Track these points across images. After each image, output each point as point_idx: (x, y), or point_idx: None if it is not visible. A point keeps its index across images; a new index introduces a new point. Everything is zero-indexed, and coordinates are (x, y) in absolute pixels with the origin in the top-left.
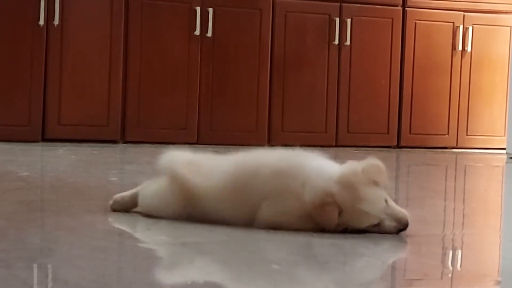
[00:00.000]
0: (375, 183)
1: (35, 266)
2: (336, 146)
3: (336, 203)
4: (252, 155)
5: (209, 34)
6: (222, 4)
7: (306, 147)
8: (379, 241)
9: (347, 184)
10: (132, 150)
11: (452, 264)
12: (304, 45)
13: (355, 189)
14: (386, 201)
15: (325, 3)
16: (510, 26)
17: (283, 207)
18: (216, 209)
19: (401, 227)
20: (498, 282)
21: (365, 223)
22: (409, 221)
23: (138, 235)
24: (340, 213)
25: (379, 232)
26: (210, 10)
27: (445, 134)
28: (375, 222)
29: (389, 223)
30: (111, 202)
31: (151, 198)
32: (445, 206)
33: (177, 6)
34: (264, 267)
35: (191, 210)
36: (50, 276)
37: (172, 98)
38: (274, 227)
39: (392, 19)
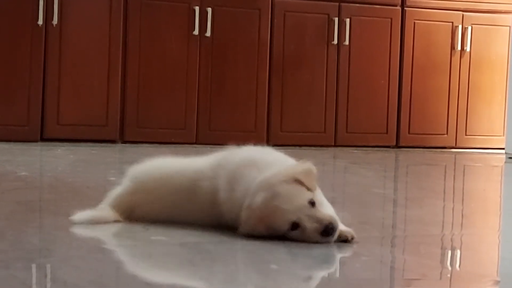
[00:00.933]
0: (301, 184)
1: (33, 266)
2: (335, 146)
3: (253, 208)
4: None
5: (208, 34)
6: (221, 4)
7: (305, 147)
8: (377, 241)
9: (264, 185)
10: (131, 150)
11: (451, 265)
12: (303, 45)
13: (272, 187)
14: (312, 203)
15: (324, 3)
16: (509, 26)
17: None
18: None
19: (322, 228)
20: (497, 282)
21: (281, 220)
22: (336, 226)
23: (136, 235)
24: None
25: (303, 240)
26: (209, 9)
27: (444, 134)
28: (293, 218)
29: (309, 225)
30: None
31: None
32: (444, 206)
33: (176, 5)
34: (263, 267)
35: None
36: (48, 277)
37: (171, 98)
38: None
39: (391, 19)
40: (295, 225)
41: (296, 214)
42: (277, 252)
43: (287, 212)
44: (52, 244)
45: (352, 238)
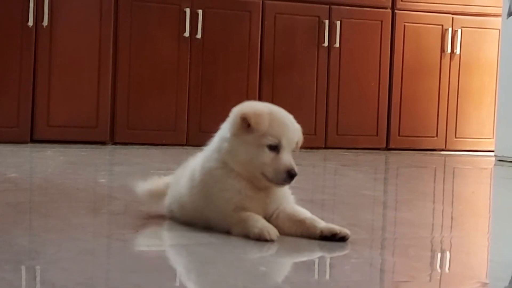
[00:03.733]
0: None
1: (22, 268)
2: (325, 148)
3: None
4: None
5: (199, 35)
6: (212, 6)
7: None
8: (367, 243)
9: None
10: (121, 152)
11: (440, 267)
12: (294, 47)
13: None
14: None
15: (315, 5)
16: (499, 29)
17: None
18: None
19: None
20: (486, 285)
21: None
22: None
23: (126, 237)
24: None
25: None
26: (200, 11)
27: (434, 136)
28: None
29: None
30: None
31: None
32: (433, 209)
33: (167, 7)
34: (252, 269)
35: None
36: (37, 279)
37: (161, 100)
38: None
39: (382, 21)
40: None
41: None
42: (267, 254)
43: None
44: (41, 246)
45: (345, 237)
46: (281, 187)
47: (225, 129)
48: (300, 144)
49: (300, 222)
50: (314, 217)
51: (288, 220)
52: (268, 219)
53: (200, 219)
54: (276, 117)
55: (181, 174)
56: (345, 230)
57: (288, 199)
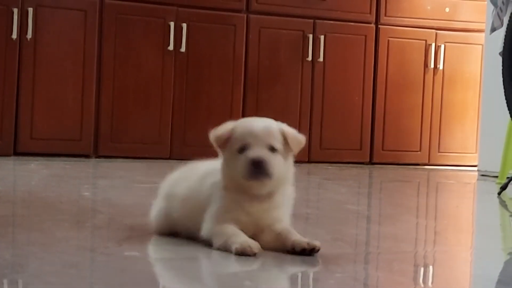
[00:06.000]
0: None
1: (5, 282)
2: (309, 162)
3: None
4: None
5: (183, 49)
6: (196, 20)
7: None
8: (351, 258)
9: None
10: (105, 165)
11: (424, 281)
12: (278, 61)
13: None
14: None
15: (299, 19)
16: (482, 44)
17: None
18: (180, 221)
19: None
20: None
21: None
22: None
23: (109, 250)
24: None
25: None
26: (184, 25)
27: (417, 151)
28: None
29: None
30: None
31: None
32: (417, 223)
33: (151, 21)
34: (237, 284)
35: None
36: None
37: (145, 113)
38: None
39: (365, 36)
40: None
41: None
42: (251, 268)
43: None
44: (25, 259)
45: (314, 249)
46: (257, 182)
47: None
48: (293, 146)
49: (277, 235)
50: (290, 230)
51: (268, 234)
52: (254, 234)
53: (191, 222)
54: (240, 123)
55: (185, 177)
56: (314, 243)
57: (283, 221)
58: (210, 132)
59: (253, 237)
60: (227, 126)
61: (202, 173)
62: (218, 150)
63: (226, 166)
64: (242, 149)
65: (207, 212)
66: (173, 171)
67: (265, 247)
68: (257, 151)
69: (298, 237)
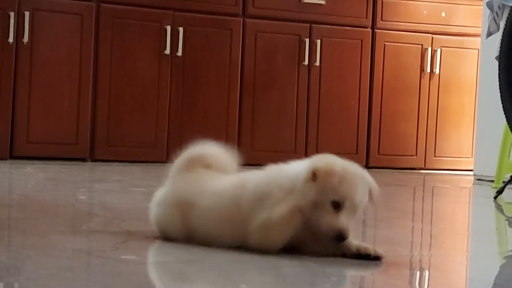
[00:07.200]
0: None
1: (1, 285)
2: None
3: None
4: (244, 175)
5: (180, 53)
6: (193, 24)
7: None
8: (347, 262)
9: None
10: (101, 169)
11: (420, 285)
12: (274, 65)
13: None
14: None
15: (295, 23)
16: (478, 49)
17: (269, 214)
18: (204, 229)
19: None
20: None
21: None
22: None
23: (106, 254)
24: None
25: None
26: (181, 29)
27: (413, 155)
28: None
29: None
30: None
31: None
32: (413, 227)
33: (148, 25)
34: (233, 287)
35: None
36: None
37: (142, 117)
38: (268, 223)
39: (362, 40)
40: None
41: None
42: (247, 272)
43: None
44: (21, 263)
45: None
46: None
47: None
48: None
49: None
50: None
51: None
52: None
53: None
54: (347, 173)
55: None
56: (379, 251)
57: None
58: (316, 161)
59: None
60: (335, 167)
61: (233, 186)
62: (309, 177)
63: (304, 197)
64: (337, 204)
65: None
66: (176, 177)
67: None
68: (346, 222)
69: (359, 243)
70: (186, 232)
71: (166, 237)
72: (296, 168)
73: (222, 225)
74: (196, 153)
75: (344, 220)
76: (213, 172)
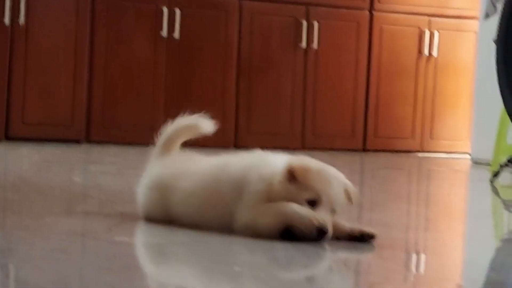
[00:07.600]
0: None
1: None
2: (303, 148)
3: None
4: (225, 158)
5: (176, 35)
6: (189, 5)
7: (273, 149)
8: (342, 245)
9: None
10: (96, 150)
11: (415, 268)
12: (271, 48)
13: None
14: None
15: (292, 6)
16: (475, 32)
17: (254, 218)
18: (186, 213)
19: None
20: (460, 286)
21: None
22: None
23: (100, 236)
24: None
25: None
26: (177, 10)
27: (409, 138)
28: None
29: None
30: None
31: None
32: (408, 210)
33: (144, 7)
34: (226, 269)
35: (168, 211)
36: (11, 277)
37: (138, 99)
38: (254, 227)
39: (359, 23)
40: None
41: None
42: (240, 254)
43: None
44: (15, 244)
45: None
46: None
47: None
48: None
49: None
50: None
51: None
52: None
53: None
54: (321, 171)
55: (185, 171)
56: (371, 230)
57: None
58: (293, 163)
59: None
60: (310, 165)
61: (213, 169)
62: (285, 176)
63: (281, 192)
64: (312, 201)
65: (243, 202)
66: (155, 162)
67: None
68: (325, 217)
69: (352, 225)
70: (168, 215)
71: (149, 219)
72: (280, 162)
73: (202, 207)
74: (169, 135)
75: (322, 216)
76: (193, 154)
